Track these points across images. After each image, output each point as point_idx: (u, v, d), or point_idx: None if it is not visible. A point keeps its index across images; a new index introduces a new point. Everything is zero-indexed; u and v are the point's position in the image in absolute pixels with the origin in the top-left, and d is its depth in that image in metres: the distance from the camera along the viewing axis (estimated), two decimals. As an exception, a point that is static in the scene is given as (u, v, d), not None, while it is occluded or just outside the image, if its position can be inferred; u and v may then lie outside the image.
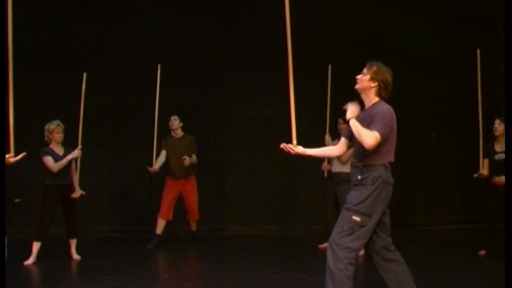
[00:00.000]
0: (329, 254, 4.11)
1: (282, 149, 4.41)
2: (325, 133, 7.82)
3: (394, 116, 4.19)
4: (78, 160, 7.34)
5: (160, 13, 9.83)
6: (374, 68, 4.28)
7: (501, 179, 6.81)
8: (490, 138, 7.20)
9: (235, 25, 9.98)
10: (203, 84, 9.99)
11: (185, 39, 9.91)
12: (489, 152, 7.15)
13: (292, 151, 4.40)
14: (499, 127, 7.03)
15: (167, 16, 9.83)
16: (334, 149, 4.74)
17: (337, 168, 7.56)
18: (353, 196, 4.14)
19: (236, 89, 10.12)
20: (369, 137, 4.04)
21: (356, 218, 4.05)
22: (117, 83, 9.80)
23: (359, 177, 4.15)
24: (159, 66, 8.28)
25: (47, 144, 7.19)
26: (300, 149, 4.41)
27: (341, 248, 4.04)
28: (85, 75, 7.44)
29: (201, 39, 9.95)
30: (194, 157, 8.35)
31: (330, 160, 7.83)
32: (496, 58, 9.74)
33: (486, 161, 7.19)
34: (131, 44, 9.81)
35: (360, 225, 4.05)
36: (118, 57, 9.77)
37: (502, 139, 7.01)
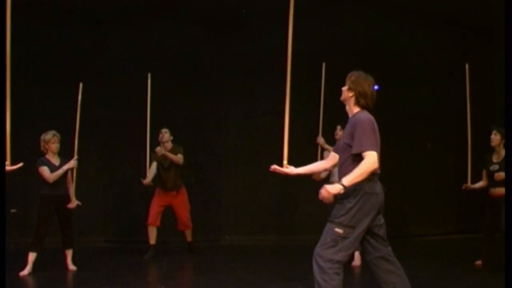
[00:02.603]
0: (314, 266, 4.11)
1: (273, 171, 4.48)
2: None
3: (374, 124, 4.14)
4: (74, 171, 7.33)
5: (155, 24, 9.87)
6: (352, 78, 4.28)
7: (497, 190, 6.85)
8: (486, 148, 7.21)
9: (231, 36, 10.01)
10: (198, 94, 10.00)
11: (180, 49, 9.92)
12: (486, 163, 7.15)
13: (282, 172, 4.48)
14: (495, 137, 7.04)
15: (162, 27, 9.88)
16: (323, 163, 4.81)
17: (337, 178, 7.53)
18: (336, 209, 4.15)
19: (232, 99, 10.14)
20: (367, 164, 3.99)
21: (339, 230, 4.06)
22: (113, 93, 9.80)
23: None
24: (149, 75, 8.28)
25: (43, 154, 7.18)
26: (290, 170, 4.51)
27: (325, 260, 4.05)
28: (81, 85, 7.44)
29: (197, 50, 9.98)
30: (179, 155, 8.23)
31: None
32: (490, 66, 9.88)
33: (485, 171, 7.20)
34: (127, 55, 9.83)
35: (343, 237, 4.05)
36: (114, 68, 9.79)
37: (498, 149, 7.03)
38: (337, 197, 4.20)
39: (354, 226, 4.04)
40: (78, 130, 7.41)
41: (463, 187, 7.39)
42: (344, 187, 3.97)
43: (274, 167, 4.49)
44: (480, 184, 7.28)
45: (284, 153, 4.49)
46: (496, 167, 6.94)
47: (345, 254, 4.08)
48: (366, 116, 4.17)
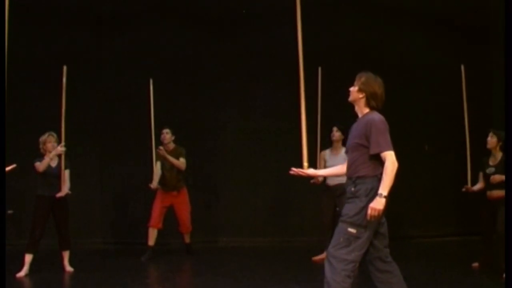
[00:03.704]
0: (326, 266, 4.13)
1: (293, 174, 4.49)
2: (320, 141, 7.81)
3: (387, 124, 4.21)
4: (63, 156, 7.12)
5: (154, 25, 9.86)
6: (362, 79, 4.31)
7: (493, 193, 6.87)
8: (484, 151, 7.21)
9: (229, 37, 10.01)
10: (196, 96, 9.99)
11: (178, 50, 9.92)
12: (483, 166, 7.16)
13: (304, 174, 4.51)
14: (491, 140, 7.04)
15: (161, 28, 9.87)
16: (344, 166, 4.68)
17: (335, 180, 7.56)
18: (348, 209, 4.16)
19: (230, 101, 10.13)
20: (390, 166, 4.05)
21: (352, 230, 4.07)
22: (111, 94, 9.79)
23: (352, 189, 4.18)
24: (151, 80, 8.27)
25: (42, 156, 7.16)
26: (311, 171, 4.55)
27: (338, 261, 4.06)
28: (65, 68, 7.31)
29: (195, 51, 9.98)
30: (181, 160, 8.23)
31: None
32: (488, 68, 9.90)
33: (482, 174, 7.21)
34: (126, 56, 9.82)
35: (356, 237, 4.07)
36: (112, 69, 9.78)
37: (495, 152, 7.04)
38: (347, 196, 4.24)
39: (366, 226, 4.06)
40: (65, 117, 7.17)
41: (463, 189, 7.37)
42: (386, 197, 4.00)
43: (296, 170, 4.49)
44: (477, 186, 7.29)
45: (304, 155, 4.50)
46: (492, 170, 6.95)
47: (359, 254, 4.10)
48: (379, 116, 4.22)
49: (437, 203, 10.18)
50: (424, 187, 10.15)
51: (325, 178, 7.81)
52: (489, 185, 6.99)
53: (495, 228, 6.77)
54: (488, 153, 7.14)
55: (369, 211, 3.99)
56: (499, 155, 6.97)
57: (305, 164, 4.48)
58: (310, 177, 4.57)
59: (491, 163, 7.06)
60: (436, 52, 10.20)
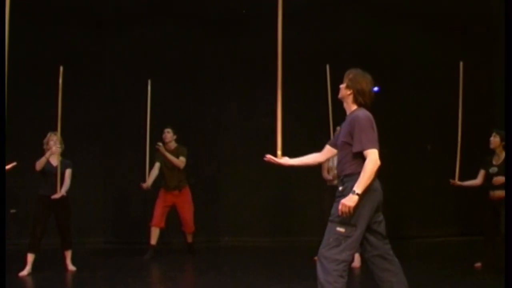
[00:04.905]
0: (318, 268, 4.09)
1: (267, 161, 4.51)
2: (326, 141, 7.77)
3: (372, 121, 4.14)
4: (59, 162, 7.17)
5: (154, 25, 9.87)
6: (350, 76, 4.29)
7: (496, 193, 6.84)
8: (487, 150, 7.19)
9: (230, 37, 10.01)
10: (198, 96, 10.00)
11: (179, 50, 9.93)
12: (486, 165, 7.14)
13: (276, 162, 4.50)
14: (494, 139, 7.03)
15: (161, 28, 9.88)
16: (317, 156, 4.70)
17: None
18: (336, 208, 4.10)
19: (231, 101, 10.14)
20: (371, 164, 3.99)
21: (341, 229, 4.03)
22: (112, 94, 9.81)
23: (340, 188, 4.15)
24: (149, 82, 8.26)
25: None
26: (283, 160, 4.52)
27: (329, 261, 4.02)
28: (61, 68, 7.32)
29: (195, 51, 9.99)
30: (181, 158, 8.23)
31: (329, 171, 7.79)
32: (489, 68, 9.88)
33: (482, 172, 7.19)
34: (127, 56, 9.83)
35: (346, 236, 4.02)
36: (113, 69, 9.80)
37: (498, 152, 7.03)
38: (336, 195, 4.19)
39: (355, 224, 4.01)
40: (62, 117, 7.20)
41: (451, 182, 7.34)
42: (359, 195, 3.95)
43: (269, 156, 4.50)
44: (471, 182, 7.23)
45: (278, 143, 4.48)
46: (495, 169, 6.93)
47: (350, 254, 4.07)
48: (364, 113, 4.16)
49: (438, 203, 10.17)
50: (426, 187, 10.13)
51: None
52: (492, 185, 6.97)
53: (498, 228, 6.74)
54: (492, 152, 7.13)
55: (339, 206, 3.96)
56: (502, 154, 6.95)
57: (279, 152, 4.47)
58: (282, 165, 4.52)
59: (494, 162, 7.05)
60: (437, 52, 10.18)
